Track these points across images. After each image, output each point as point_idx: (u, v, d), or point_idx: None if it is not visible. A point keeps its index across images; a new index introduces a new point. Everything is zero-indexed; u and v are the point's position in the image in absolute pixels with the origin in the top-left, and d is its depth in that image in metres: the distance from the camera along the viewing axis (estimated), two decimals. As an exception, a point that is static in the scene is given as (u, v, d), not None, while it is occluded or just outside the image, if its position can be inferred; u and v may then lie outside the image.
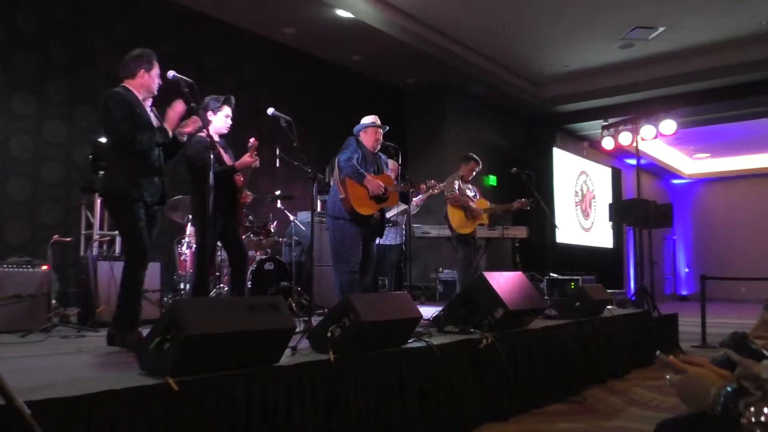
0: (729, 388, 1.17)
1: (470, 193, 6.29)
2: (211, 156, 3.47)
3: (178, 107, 3.51)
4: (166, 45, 6.95)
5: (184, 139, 3.67)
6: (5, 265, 4.42)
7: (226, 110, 4.24)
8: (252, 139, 4.14)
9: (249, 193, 4.42)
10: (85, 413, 1.87)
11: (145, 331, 2.46)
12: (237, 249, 4.28)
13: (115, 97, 3.46)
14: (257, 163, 4.16)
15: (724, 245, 16.90)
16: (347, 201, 4.56)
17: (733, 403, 1.15)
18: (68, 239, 5.50)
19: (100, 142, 4.97)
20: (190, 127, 3.61)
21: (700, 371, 1.27)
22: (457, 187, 6.13)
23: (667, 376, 1.32)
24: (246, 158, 4.12)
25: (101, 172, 4.56)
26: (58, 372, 2.58)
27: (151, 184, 3.52)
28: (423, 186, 5.31)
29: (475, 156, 6.41)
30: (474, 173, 6.37)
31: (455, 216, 6.07)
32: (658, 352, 1.53)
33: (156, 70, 3.61)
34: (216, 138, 4.23)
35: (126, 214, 3.44)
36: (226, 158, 4.23)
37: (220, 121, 4.21)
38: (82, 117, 6.20)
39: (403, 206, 6.73)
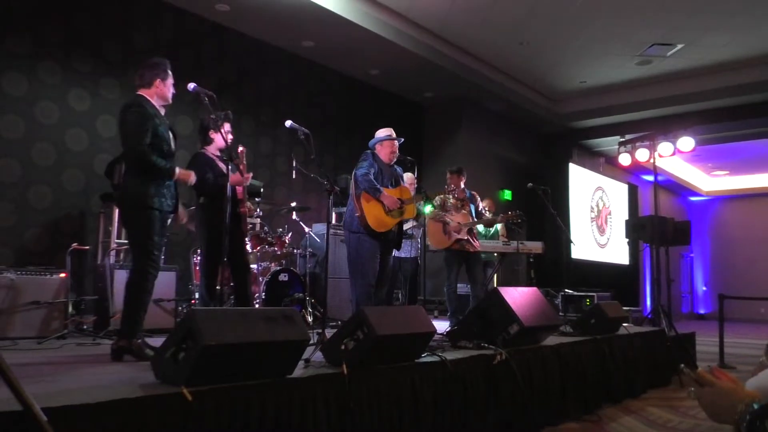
0: (756, 406, 1.16)
1: (475, 206, 6.04)
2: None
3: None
4: (185, 56, 7.05)
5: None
6: (24, 272, 4.48)
7: (227, 126, 4.27)
8: (240, 148, 4.26)
9: (250, 204, 4.47)
10: (101, 421, 1.88)
11: (160, 340, 2.47)
12: (239, 261, 4.27)
13: (136, 111, 3.46)
14: (248, 180, 4.23)
15: (743, 264, 16.65)
16: (363, 218, 4.58)
17: (759, 421, 1.14)
18: (87, 247, 5.56)
19: None
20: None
21: (729, 386, 1.27)
22: (439, 202, 5.90)
23: (691, 389, 1.31)
24: (234, 177, 4.14)
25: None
26: (74, 379, 2.60)
27: (168, 192, 3.57)
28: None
29: (453, 167, 6.13)
30: (461, 183, 6.03)
31: (432, 231, 5.84)
32: (682, 366, 1.52)
33: (171, 80, 3.66)
34: (218, 153, 4.32)
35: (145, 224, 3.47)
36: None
37: (222, 137, 4.24)
38: (104, 126, 6.28)
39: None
